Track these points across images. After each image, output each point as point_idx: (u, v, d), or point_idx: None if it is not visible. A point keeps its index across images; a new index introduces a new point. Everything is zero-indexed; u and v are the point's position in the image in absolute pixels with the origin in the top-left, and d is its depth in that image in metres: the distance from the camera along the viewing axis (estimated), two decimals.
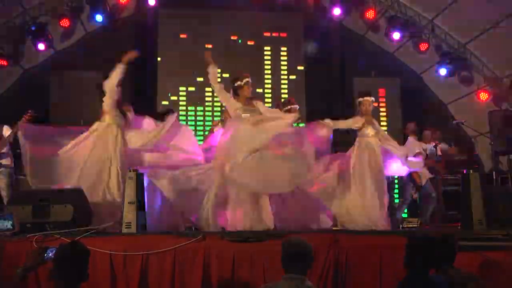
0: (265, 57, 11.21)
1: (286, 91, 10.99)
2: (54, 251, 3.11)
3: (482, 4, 8.79)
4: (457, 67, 10.23)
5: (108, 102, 5.70)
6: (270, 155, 5.48)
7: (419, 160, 6.93)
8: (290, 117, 5.81)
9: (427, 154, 8.11)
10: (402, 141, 7.95)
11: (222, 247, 4.50)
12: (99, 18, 10.05)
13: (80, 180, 5.40)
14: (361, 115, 6.19)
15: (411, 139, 8.27)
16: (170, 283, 4.38)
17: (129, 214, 4.85)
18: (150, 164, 5.79)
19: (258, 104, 5.84)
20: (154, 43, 10.89)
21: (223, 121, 6.81)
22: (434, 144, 8.25)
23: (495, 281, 4.14)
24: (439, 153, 8.25)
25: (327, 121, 6.13)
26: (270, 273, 4.22)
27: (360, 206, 5.81)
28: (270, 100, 10.74)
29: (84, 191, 5.12)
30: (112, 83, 5.73)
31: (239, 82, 5.83)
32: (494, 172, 8.56)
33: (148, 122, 6.12)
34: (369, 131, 6.12)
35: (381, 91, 11.03)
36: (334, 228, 5.92)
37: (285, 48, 11.22)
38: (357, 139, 6.15)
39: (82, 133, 5.69)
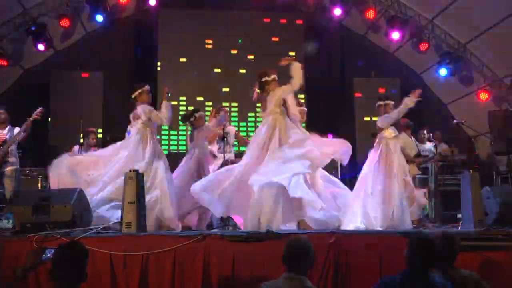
0: (265, 57, 11.22)
1: None
2: (52, 252, 3.11)
3: (482, 4, 8.79)
4: (457, 67, 10.24)
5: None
6: None
7: None
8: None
9: (420, 153, 8.08)
10: None
11: (222, 247, 4.50)
12: (99, 18, 10.06)
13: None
14: None
15: (403, 135, 8.25)
16: (170, 283, 4.38)
17: (129, 214, 4.85)
18: None
19: (289, 98, 5.82)
20: (154, 43, 10.91)
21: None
22: (434, 144, 8.24)
23: (495, 281, 4.13)
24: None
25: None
26: (270, 273, 4.22)
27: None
28: None
29: None
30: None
31: (266, 78, 5.84)
32: (494, 172, 8.57)
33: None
34: (392, 131, 6.24)
35: (381, 91, 11.03)
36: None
37: (285, 48, 11.22)
38: (384, 140, 6.20)
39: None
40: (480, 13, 8.92)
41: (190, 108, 10.81)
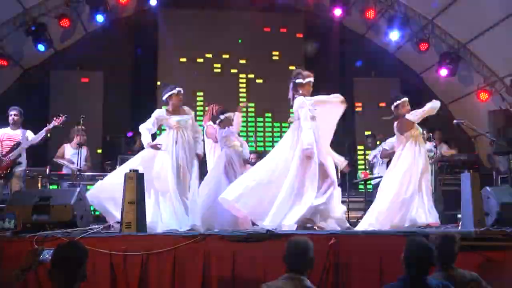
0: (265, 57, 11.22)
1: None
2: (50, 252, 3.10)
3: (482, 4, 8.78)
4: (457, 67, 10.22)
5: None
6: None
7: None
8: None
9: None
10: None
11: (222, 247, 4.50)
12: (99, 18, 10.04)
13: None
14: (403, 115, 6.22)
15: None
16: (170, 283, 4.38)
17: (129, 214, 4.85)
18: None
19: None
20: (154, 43, 10.91)
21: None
22: (434, 144, 8.24)
23: (495, 281, 4.12)
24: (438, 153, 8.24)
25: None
26: (270, 273, 4.22)
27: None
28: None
29: None
30: None
31: (300, 80, 5.80)
32: (494, 172, 8.56)
33: None
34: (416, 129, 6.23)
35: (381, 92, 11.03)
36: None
37: (285, 48, 11.22)
38: (410, 139, 6.18)
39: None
40: (480, 13, 8.91)
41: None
